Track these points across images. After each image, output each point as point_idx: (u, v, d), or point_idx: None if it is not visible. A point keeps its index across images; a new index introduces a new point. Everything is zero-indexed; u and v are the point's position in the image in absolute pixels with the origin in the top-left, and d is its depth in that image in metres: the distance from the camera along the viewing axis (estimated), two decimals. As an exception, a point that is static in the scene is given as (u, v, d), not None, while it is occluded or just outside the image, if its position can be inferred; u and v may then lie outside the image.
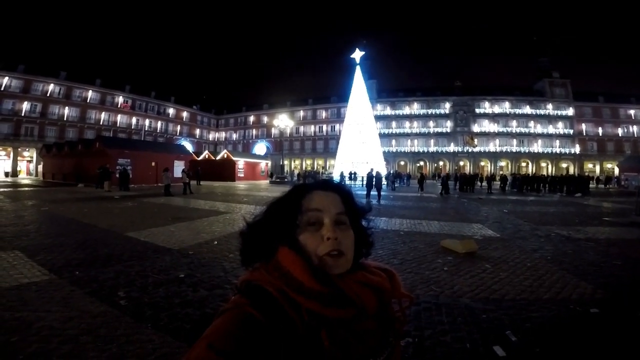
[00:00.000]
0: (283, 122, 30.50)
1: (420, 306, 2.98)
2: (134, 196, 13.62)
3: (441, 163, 47.77)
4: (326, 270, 0.56)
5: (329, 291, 0.53)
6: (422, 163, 47.92)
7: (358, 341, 0.54)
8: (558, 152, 44.61)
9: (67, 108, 39.60)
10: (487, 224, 7.90)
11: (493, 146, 45.53)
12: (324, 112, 52.99)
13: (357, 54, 32.70)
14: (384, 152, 36.98)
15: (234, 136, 60.24)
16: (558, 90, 46.03)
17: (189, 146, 39.14)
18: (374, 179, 14.10)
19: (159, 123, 50.63)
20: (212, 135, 61.31)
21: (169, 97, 52.88)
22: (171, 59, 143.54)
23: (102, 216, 8.04)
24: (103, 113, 43.04)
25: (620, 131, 44.60)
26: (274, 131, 51.14)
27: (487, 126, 46.29)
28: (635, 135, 44.17)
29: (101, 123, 42.48)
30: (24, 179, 30.78)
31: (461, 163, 46.38)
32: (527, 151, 45.14)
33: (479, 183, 26.29)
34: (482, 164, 46.07)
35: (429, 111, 48.23)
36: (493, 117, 46.44)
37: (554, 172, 39.39)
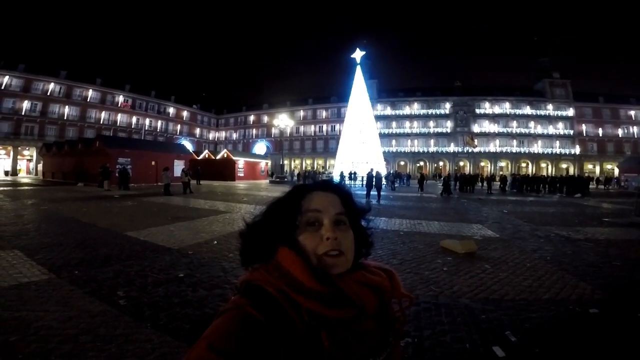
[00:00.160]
0: (283, 121, 30.50)
1: (419, 306, 2.98)
2: (133, 195, 13.62)
3: (441, 163, 47.78)
4: (326, 270, 0.56)
5: (329, 291, 0.53)
6: (422, 163, 47.94)
7: (358, 341, 0.54)
8: (558, 152, 44.63)
9: (67, 107, 39.61)
10: (487, 225, 7.90)
11: (493, 146, 45.55)
12: (324, 112, 53.00)
13: (358, 54, 32.68)
14: (384, 152, 36.96)
15: (234, 136, 60.24)
16: (558, 91, 46.05)
17: (189, 145, 39.12)
18: (374, 179, 14.10)
19: (159, 122, 50.62)
20: (212, 135, 61.32)
21: (169, 97, 52.89)
22: (171, 59, 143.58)
23: (102, 215, 8.04)
24: (103, 112, 43.05)
25: (620, 132, 44.63)
26: (274, 131, 51.13)
27: (487, 126, 46.31)
28: (636, 136, 44.18)
29: (101, 122, 42.49)
30: (23, 177, 30.76)
31: (461, 163, 46.39)
32: (527, 152, 45.17)
33: (479, 183, 26.30)
34: (482, 164, 46.09)
35: (429, 111, 48.24)
36: (493, 118, 46.46)
37: (553, 173, 39.40)
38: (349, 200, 0.65)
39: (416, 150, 47.48)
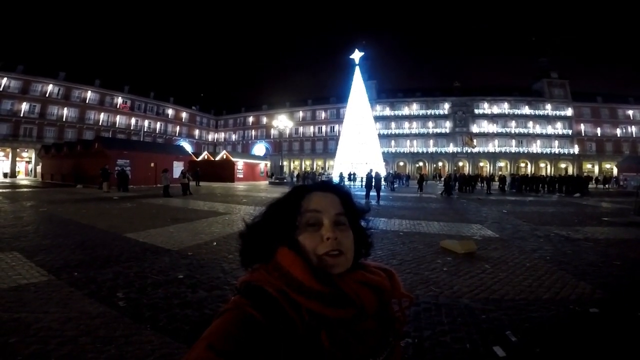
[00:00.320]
0: (282, 122, 30.50)
1: (419, 307, 2.98)
2: (132, 197, 13.59)
3: (440, 164, 47.81)
4: (326, 270, 0.56)
5: (329, 291, 0.53)
6: (421, 164, 47.96)
7: (358, 341, 0.54)
8: (557, 152, 44.70)
9: (66, 109, 39.54)
10: (487, 225, 7.91)
11: (492, 147, 45.59)
12: (323, 112, 53.01)
13: (357, 55, 32.74)
14: (383, 153, 37.00)
15: (233, 137, 60.22)
16: (557, 91, 46.15)
17: (188, 147, 39.15)
18: (373, 180, 14.10)
19: (158, 124, 50.58)
20: (211, 136, 61.29)
21: (168, 98, 52.87)
22: (170, 60, 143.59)
23: (101, 217, 8.03)
24: (102, 114, 42.99)
25: (618, 131, 44.75)
26: (273, 132, 51.10)
27: (486, 127, 46.36)
28: (634, 136, 44.30)
29: (100, 124, 42.42)
30: (22, 179, 30.70)
31: (460, 163, 46.43)
32: (526, 151, 45.22)
33: (479, 184, 26.33)
34: (481, 164, 46.14)
35: (428, 112, 48.28)
36: (492, 118, 46.52)
37: (552, 173, 39.43)
38: (349, 200, 0.66)
39: (415, 151, 47.50)
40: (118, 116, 44.89)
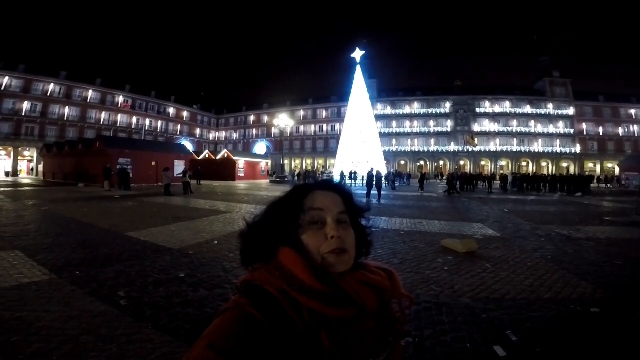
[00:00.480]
0: (283, 121, 30.49)
1: (420, 306, 2.98)
2: (134, 196, 13.63)
3: (441, 162, 47.77)
4: (329, 269, 0.56)
5: (330, 290, 0.53)
6: (422, 162, 47.91)
7: (358, 341, 0.54)
8: (558, 151, 44.57)
9: (67, 108, 39.63)
10: (488, 224, 7.90)
11: (493, 145, 45.49)
12: (324, 111, 52.98)
13: (358, 54, 32.68)
14: (385, 152, 36.95)
15: (235, 136, 60.25)
16: (558, 90, 45.99)
17: (189, 146, 39.12)
18: (374, 179, 14.08)
19: (160, 123, 50.63)
20: (212, 135, 61.32)
21: (169, 97, 52.90)
22: (171, 59, 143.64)
23: (102, 216, 8.05)
24: (103, 113, 43.06)
25: (620, 131, 44.56)
26: (274, 131, 51.12)
27: (488, 126, 46.25)
28: (636, 135, 44.08)
29: (101, 123, 42.50)
30: (24, 178, 30.80)
31: (461, 162, 46.36)
32: (527, 151, 45.09)
33: (481, 182, 26.30)
34: (483, 163, 46.06)
35: (430, 110, 48.20)
36: (493, 117, 46.40)
37: (554, 172, 39.30)
38: (350, 199, 0.66)
39: (416, 150, 47.45)
40: (119, 115, 44.95)
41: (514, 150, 45.17)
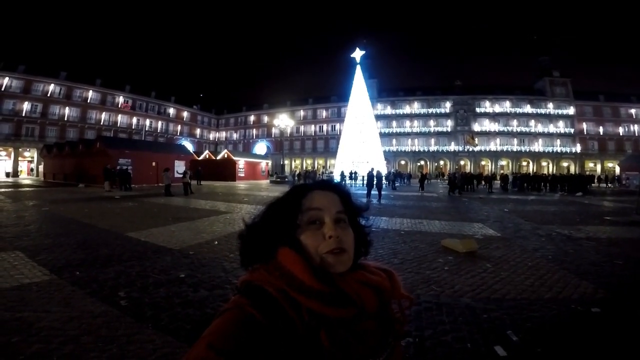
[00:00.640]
0: (283, 121, 30.49)
1: (421, 306, 2.98)
2: (134, 196, 13.63)
3: (442, 162, 47.77)
4: (328, 269, 0.56)
5: (329, 290, 0.53)
6: (422, 162, 47.90)
7: (358, 341, 0.54)
8: (559, 151, 44.54)
9: (67, 108, 39.66)
10: (488, 223, 7.89)
11: (494, 145, 45.47)
12: (324, 111, 52.98)
13: (358, 54, 32.65)
14: (385, 152, 36.92)
15: (235, 136, 60.26)
16: (559, 89, 45.96)
17: (189, 146, 39.13)
18: (375, 179, 14.08)
19: (160, 123, 50.66)
20: (212, 135, 61.34)
21: (169, 97, 52.93)
22: (171, 59, 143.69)
23: (103, 216, 8.05)
24: (103, 113, 43.09)
25: (621, 130, 44.54)
26: (274, 131, 51.13)
27: (488, 125, 46.24)
28: (636, 134, 44.08)
29: (102, 123, 42.53)
30: (24, 179, 30.82)
31: (462, 162, 46.34)
32: (527, 150, 45.08)
33: (482, 182, 26.30)
34: (483, 163, 46.05)
35: (430, 110, 48.19)
36: (493, 116, 46.38)
37: (554, 171, 39.30)
38: (348, 199, 0.66)
39: (417, 150, 47.43)
40: (119, 115, 44.97)
41: (514, 150, 45.15)
